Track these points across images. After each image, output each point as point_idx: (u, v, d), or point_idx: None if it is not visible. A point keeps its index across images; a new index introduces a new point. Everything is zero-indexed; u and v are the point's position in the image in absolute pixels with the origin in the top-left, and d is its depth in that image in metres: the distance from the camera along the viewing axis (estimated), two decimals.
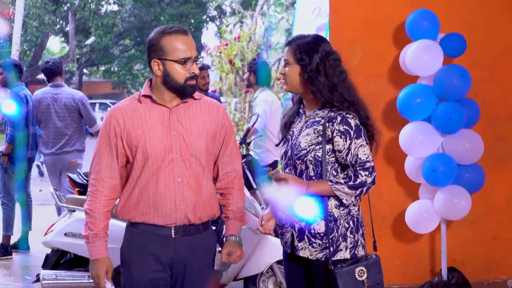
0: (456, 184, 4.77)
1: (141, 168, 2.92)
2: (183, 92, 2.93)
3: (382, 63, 5.15)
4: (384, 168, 5.01)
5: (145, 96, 2.97)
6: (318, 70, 3.07)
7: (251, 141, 6.23)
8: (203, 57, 3.16)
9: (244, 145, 5.96)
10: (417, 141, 4.75)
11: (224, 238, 3.17)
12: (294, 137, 3.18)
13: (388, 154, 5.03)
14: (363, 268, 3.03)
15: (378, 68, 5.15)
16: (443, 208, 4.79)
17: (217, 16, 31.18)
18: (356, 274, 3.01)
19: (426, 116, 4.75)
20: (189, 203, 2.94)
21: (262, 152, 6.79)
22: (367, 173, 3.02)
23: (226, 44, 10.28)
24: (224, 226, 3.24)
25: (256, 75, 6.96)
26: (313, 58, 3.07)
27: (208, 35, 55.55)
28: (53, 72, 6.82)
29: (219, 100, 7.45)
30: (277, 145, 3.34)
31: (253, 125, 6.05)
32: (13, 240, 7.11)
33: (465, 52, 4.83)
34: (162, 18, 28.24)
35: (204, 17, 31.00)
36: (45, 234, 5.09)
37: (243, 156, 5.77)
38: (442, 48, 4.76)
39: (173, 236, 2.96)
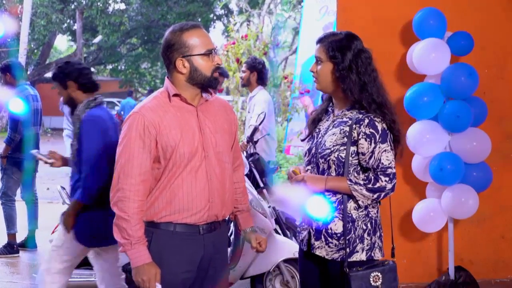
0: (464, 183, 4.76)
1: (176, 168, 2.89)
2: (210, 85, 2.95)
3: (389, 61, 5.14)
4: None
5: (174, 95, 2.95)
6: (351, 68, 3.05)
7: (258, 140, 6.23)
8: (217, 48, 3.17)
9: (251, 144, 5.96)
10: (425, 139, 4.74)
11: (242, 231, 3.27)
12: (320, 135, 3.17)
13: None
14: (379, 274, 3.01)
15: (385, 67, 5.10)
16: (451, 207, 4.78)
17: (224, 15, 31.18)
18: (371, 279, 2.99)
19: (433, 115, 4.74)
20: (219, 201, 2.98)
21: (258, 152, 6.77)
22: (387, 178, 3.00)
23: (233, 43, 10.26)
24: (238, 219, 3.28)
25: (258, 74, 6.93)
26: (346, 56, 3.06)
27: (215, 33, 55.54)
28: None
29: None
30: (302, 141, 3.35)
31: (260, 124, 6.05)
32: (21, 238, 7.14)
33: (473, 50, 4.82)
34: (169, 17, 28.23)
35: (211, 15, 30.97)
36: (53, 232, 5.10)
37: (250, 155, 5.78)
38: (449, 46, 4.75)
39: (201, 233, 2.97)
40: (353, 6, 5.20)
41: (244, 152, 5.79)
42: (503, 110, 5.21)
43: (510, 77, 5.26)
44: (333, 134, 3.08)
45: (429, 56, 4.71)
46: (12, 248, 6.94)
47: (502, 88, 5.25)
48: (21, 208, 7.18)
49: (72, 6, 27.76)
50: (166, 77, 3.01)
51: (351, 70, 3.05)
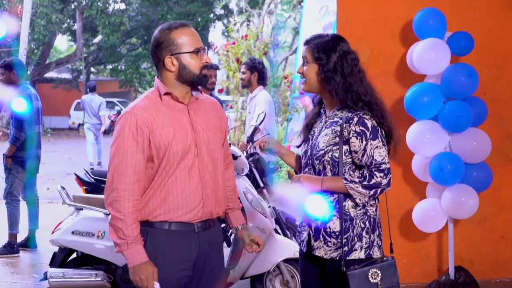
0: (464, 183, 4.76)
1: (169, 166, 2.91)
2: (199, 82, 2.97)
3: (389, 61, 5.15)
4: (391, 167, 5.00)
5: (165, 93, 2.97)
6: (335, 70, 3.07)
7: (258, 140, 6.21)
8: (206, 48, 3.19)
9: (251, 144, 5.96)
10: (425, 139, 4.74)
11: (235, 227, 3.28)
12: (314, 137, 3.20)
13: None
14: (377, 270, 3.01)
15: (386, 67, 5.15)
16: (451, 207, 4.78)
17: (224, 15, 31.19)
18: (369, 276, 2.99)
19: (433, 115, 4.74)
20: (213, 198, 2.99)
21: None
22: (382, 174, 3.01)
23: (233, 43, 10.26)
24: (229, 217, 3.28)
25: (258, 74, 6.92)
26: (331, 58, 3.08)
27: (215, 33, 55.61)
28: (93, 89, 15.10)
29: (220, 102, 7.41)
30: (298, 147, 3.36)
31: (260, 124, 6.05)
32: (21, 238, 7.14)
33: (473, 50, 4.82)
34: (169, 17, 28.22)
35: (211, 15, 30.99)
36: (53, 232, 5.10)
37: (251, 155, 5.77)
38: (449, 46, 4.75)
39: (196, 231, 2.98)
40: (353, 6, 5.20)
41: (244, 152, 5.79)
42: (503, 110, 5.21)
43: (510, 77, 5.26)
44: (325, 134, 3.11)
45: (429, 56, 4.71)
46: (12, 248, 6.94)
47: (502, 88, 5.25)
48: (20, 208, 7.18)
49: (72, 6, 27.78)
50: (156, 77, 3.03)
51: (336, 72, 3.07)
